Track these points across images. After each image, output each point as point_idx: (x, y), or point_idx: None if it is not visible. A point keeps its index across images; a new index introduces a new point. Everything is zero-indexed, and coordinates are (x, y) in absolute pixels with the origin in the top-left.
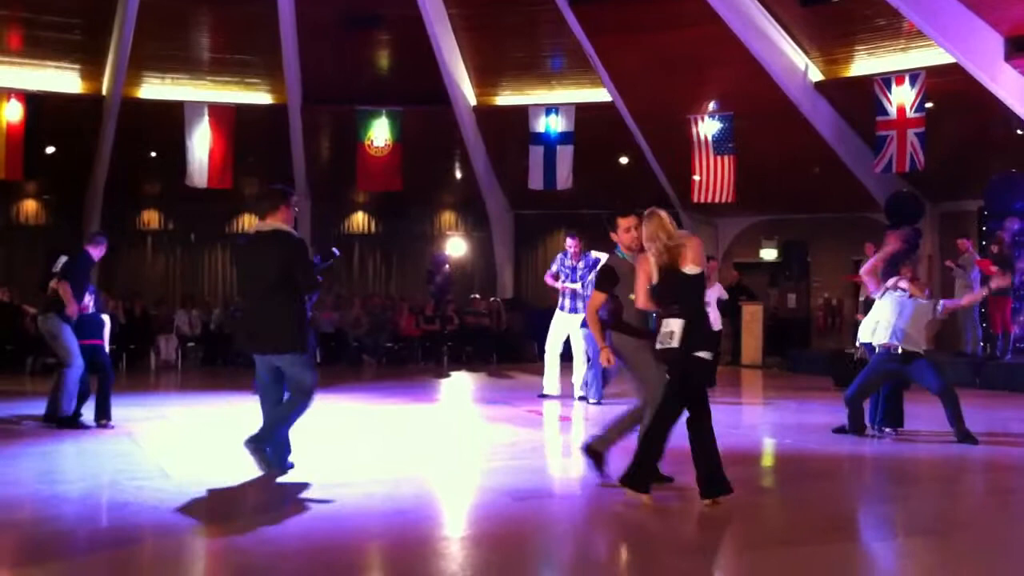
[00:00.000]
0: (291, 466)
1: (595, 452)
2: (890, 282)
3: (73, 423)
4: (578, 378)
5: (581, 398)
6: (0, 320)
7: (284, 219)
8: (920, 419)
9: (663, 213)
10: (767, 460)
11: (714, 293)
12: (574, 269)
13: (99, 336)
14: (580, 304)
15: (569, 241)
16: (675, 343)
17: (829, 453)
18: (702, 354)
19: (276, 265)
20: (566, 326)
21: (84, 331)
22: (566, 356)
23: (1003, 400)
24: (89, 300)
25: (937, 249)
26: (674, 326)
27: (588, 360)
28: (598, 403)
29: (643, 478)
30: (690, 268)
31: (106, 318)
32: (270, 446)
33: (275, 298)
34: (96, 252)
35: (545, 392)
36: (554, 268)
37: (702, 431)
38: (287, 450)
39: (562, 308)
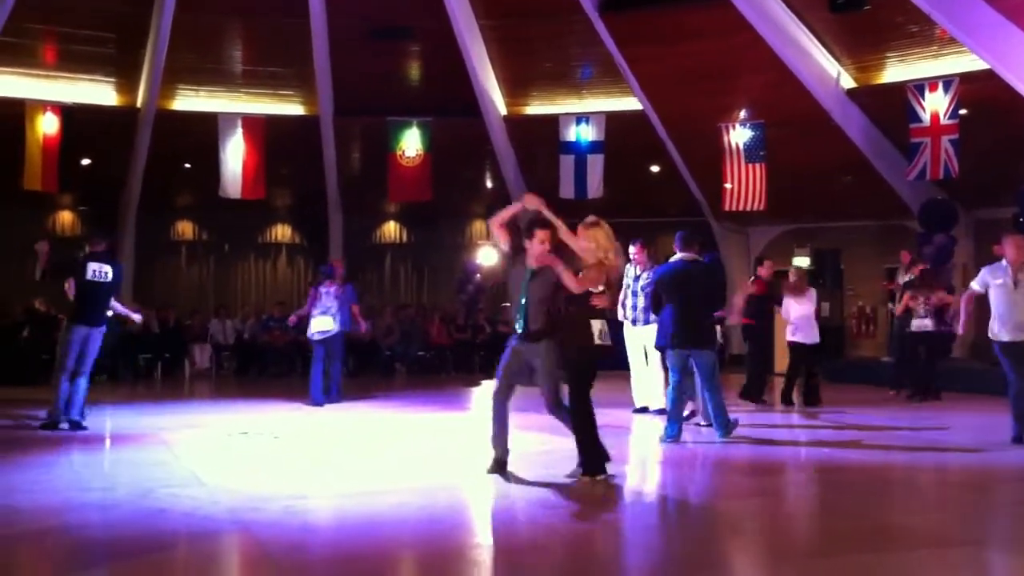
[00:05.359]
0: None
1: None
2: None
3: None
4: (638, 388)
5: (637, 410)
6: (37, 330)
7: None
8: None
9: (604, 224)
10: (805, 469)
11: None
12: (637, 279)
13: None
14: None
15: (633, 248)
16: (608, 341)
17: (868, 462)
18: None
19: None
20: (639, 339)
21: None
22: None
23: None
24: None
25: (972, 257)
26: (603, 325)
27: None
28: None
29: (597, 462)
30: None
31: None
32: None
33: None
34: None
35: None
36: (626, 281)
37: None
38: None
39: (635, 323)
